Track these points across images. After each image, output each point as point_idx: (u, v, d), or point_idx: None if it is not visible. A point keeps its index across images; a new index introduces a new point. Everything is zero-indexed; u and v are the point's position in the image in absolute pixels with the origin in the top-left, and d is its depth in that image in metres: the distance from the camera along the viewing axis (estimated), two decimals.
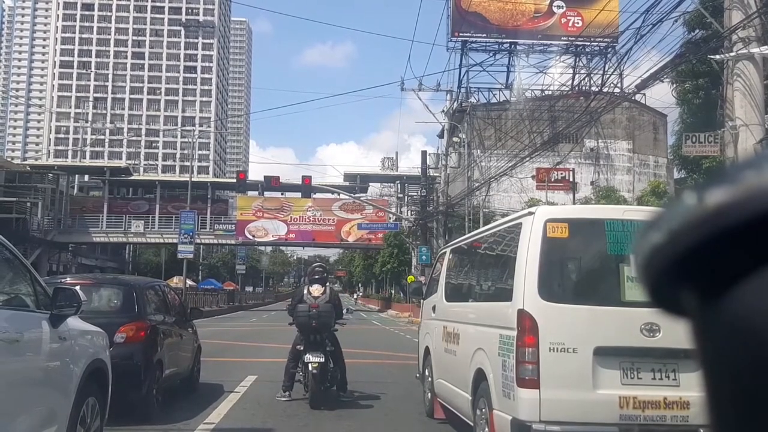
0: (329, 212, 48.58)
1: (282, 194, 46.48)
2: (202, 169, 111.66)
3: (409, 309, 36.46)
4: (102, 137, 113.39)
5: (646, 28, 12.55)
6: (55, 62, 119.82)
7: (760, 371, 0.41)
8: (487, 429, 4.94)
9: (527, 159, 24.30)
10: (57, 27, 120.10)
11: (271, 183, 31.15)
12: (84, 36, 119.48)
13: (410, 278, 37.95)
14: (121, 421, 5.80)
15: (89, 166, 62.43)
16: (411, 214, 43.51)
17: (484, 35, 38.32)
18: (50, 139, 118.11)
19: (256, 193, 47.81)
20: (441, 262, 7.55)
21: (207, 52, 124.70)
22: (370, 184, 53.73)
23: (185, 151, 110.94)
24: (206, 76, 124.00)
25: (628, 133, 37.39)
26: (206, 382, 9.23)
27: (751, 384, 0.42)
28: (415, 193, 46.16)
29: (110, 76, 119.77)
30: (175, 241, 40.15)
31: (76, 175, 54.15)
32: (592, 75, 29.80)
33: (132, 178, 54.03)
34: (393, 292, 57.83)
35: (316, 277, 8.47)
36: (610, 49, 31.22)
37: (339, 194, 44.05)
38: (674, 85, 23.01)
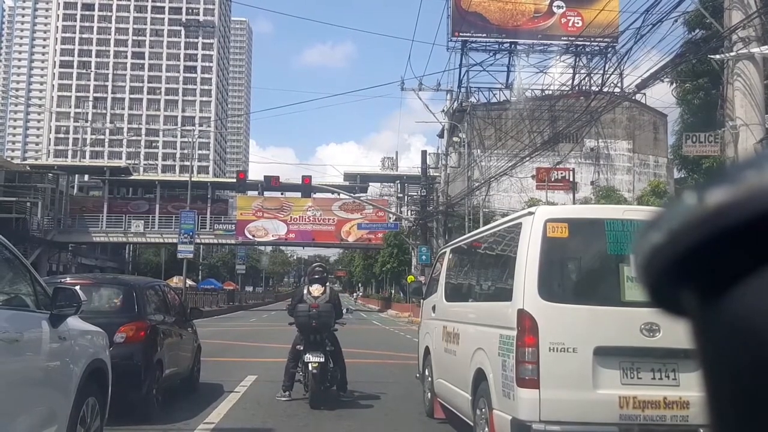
0: (329, 212, 48.58)
1: (282, 194, 46.49)
2: (202, 169, 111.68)
3: (409, 309, 36.46)
4: (102, 137, 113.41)
5: (646, 27, 12.56)
6: (55, 62, 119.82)
7: (760, 371, 0.41)
8: (487, 429, 4.94)
9: (527, 159, 24.30)
10: (57, 27, 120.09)
11: (271, 183, 31.15)
12: (84, 36, 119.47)
13: (410, 278, 37.95)
14: (121, 421, 5.80)
15: (89, 166, 62.44)
16: (411, 214, 43.51)
17: (484, 35, 38.32)
18: (50, 139, 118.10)
19: (256, 192, 47.82)
20: (441, 261, 7.55)
21: (207, 52, 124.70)
22: (370, 183, 53.74)
23: (185, 151, 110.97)
24: (206, 75, 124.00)
25: (629, 133, 37.40)
26: (206, 382, 9.23)
27: (751, 384, 0.42)
28: (415, 193, 46.16)
29: (110, 76, 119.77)
30: (175, 240, 40.14)
31: (76, 175, 54.16)
32: (592, 75, 29.78)
33: (132, 177, 54.02)
34: (393, 292, 57.83)
35: (316, 277, 8.47)
36: (610, 49, 31.21)
37: (339, 194, 44.06)
38: (674, 85, 23.02)
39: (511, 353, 4.48)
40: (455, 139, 36.17)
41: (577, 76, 32.53)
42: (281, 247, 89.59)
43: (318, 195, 44.27)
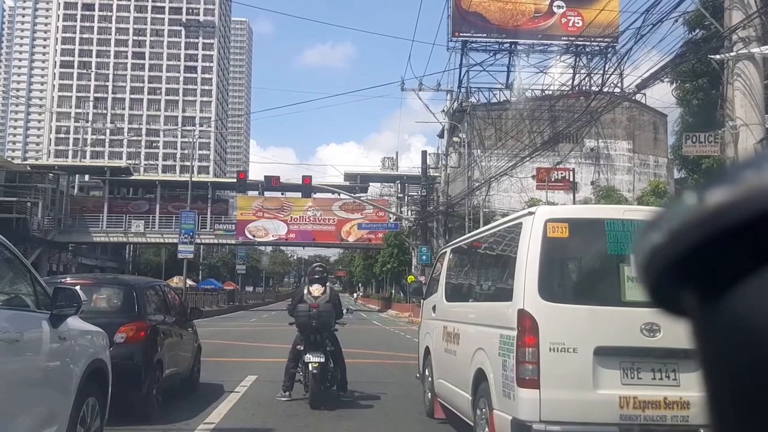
0: (329, 212, 48.59)
1: (282, 194, 46.50)
2: (203, 169, 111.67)
3: (409, 309, 36.46)
4: (102, 137, 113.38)
5: (646, 28, 12.56)
6: (55, 62, 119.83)
7: (760, 371, 0.41)
8: (487, 429, 4.94)
9: (527, 159, 24.29)
10: (57, 27, 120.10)
11: (272, 183, 31.17)
12: (84, 36, 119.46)
13: (410, 278, 37.96)
14: (121, 421, 5.80)
15: (89, 166, 62.40)
16: (411, 214, 43.51)
17: (485, 35, 38.32)
18: (50, 139, 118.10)
19: (257, 192, 47.82)
20: (441, 262, 7.55)
21: (207, 52, 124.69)
22: (370, 184, 53.74)
23: (185, 151, 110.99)
24: (206, 76, 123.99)
25: (629, 133, 37.40)
26: (206, 382, 9.23)
27: (751, 384, 0.42)
28: (415, 193, 46.16)
29: (110, 76, 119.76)
30: (175, 241, 40.17)
31: (77, 175, 54.14)
32: (592, 75, 29.83)
33: (132, 178, 54.02)
34: (393, 292, 57.85)
35: (316, 276, 8.47)
36: (610, 49, 31.26)
37: (339, 194, 44.06)
38: (674, 85, 23.02)
39: (512, 353, 4.48)
40: (455, 139, 36.17)
41: (577, 76, 32.54)
42: (281, 247, 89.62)
43: (318, 195, 44.28)
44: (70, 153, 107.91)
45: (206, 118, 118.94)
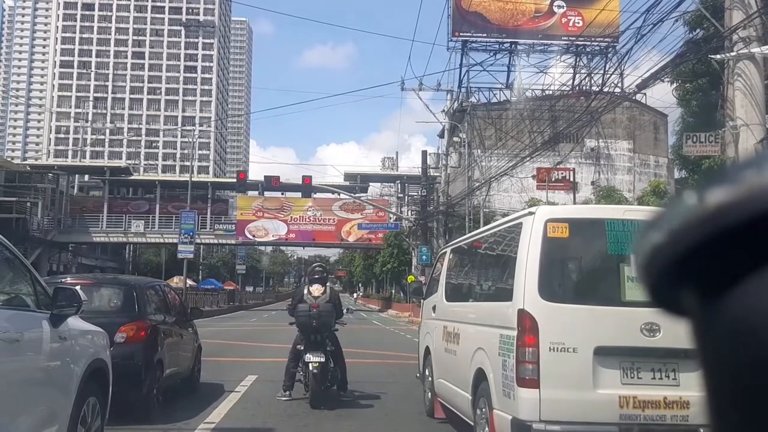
0: (329, 212, 48.59)
1: (282, 194, 46.50)
2: (203, 169, 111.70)
3: (410, 309, 36.46)
4: (102, 137, 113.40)
5: (646, 27, 12.57)
6: (55, 62, 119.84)
7: (760, 371, 0.41)
8: (487, 429, 4.94)
9: (527, 159, 24.30)
10: (57, 27, 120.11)
11: (272, 183, 31.17)
12: (84, 36, 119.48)
13: (410, 278, 37.95)
14: (121, 420, 5.80)
15: (89, 166, 62.43)
16: (411, 214, 43.51)
17: (485, 35, 38.32)
18: (50, 139, 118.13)
19: (256, 192, 47.81)
20: (441, 261, 7.55)
21: (207, 52, 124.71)
22: (371, 184, 53.74)
23: (185, 151, 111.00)
24: (206, 75, 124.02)
25: (629, 133, 37.40)
26: (206, 382, 9.23)
27: (751, 384, 0.42)
28: (416, 193, 46.16)
29: (110, 76, 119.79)
30: (175, 241, 40.16)
31: (76, 175, 54.14)
32: (592, 75, 29.80)
33: (132, 178, 54.03)
34: (393, 292, 57.84)
35: (316, 276, 8.47)
36: (610, 49, 31.24)
37: (339, 194, 44.06)
38: (675, 85, 23.01)
39: (512, 353, 4.49)
40: (455, 139, 36.17)
41: (577, 76, 32.55)
42: (281, 247, 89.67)
43: (318, 195, 44.27)
44: (70, 153, 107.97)
45: (206, 118, 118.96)
